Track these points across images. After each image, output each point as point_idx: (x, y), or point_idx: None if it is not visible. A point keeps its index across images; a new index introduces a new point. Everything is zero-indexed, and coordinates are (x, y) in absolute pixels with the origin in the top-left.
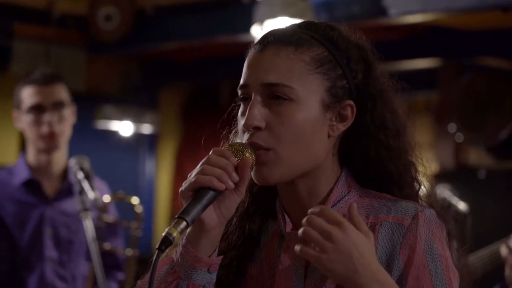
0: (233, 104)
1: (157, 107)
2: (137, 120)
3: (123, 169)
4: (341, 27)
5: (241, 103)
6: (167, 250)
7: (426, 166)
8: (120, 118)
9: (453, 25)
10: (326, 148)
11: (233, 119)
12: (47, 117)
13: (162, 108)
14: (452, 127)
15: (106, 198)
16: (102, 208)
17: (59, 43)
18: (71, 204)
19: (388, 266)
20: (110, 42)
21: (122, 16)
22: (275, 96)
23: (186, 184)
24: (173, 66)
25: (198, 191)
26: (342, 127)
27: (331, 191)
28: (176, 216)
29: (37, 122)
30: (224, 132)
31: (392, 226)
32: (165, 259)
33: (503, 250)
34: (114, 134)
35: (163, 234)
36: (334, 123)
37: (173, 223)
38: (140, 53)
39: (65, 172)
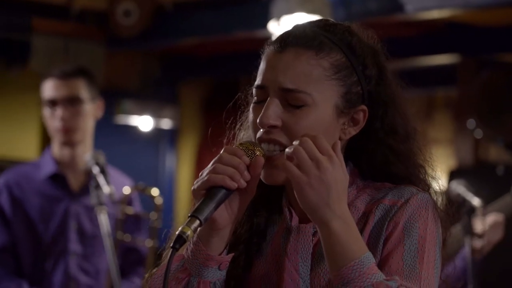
0: (238, 94)
1: (177, 102)
2: (156, 115)
3: (144, 164)
4: (357, 28)
5: (255, 99)
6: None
7: (436, 169)
8: (139, 113)
9: (471, 21)
10: None
11: (239, 109)
12: (59, 111)
13: (182, 103)
14: (471, 123)
15: (126, 190)
16: (123, 200)
17: (78, 39)
18: None
19: (376, 242)
20: (129, 37)
21: (141, 11)
22: (291, 101)
23: (199, 183)
24: (193, 61)
25: (210, 190)
26: (353, 132)
27: None
28: (189, 214)
29: (52, 116)
30: (229, 121)
31: (386, 208)
32: (176, 256)
33: (479, 225)
34: (133, 129)
35: (177, 232)
36: (346, 127)
37: (186, 222)
38: (159, 48)
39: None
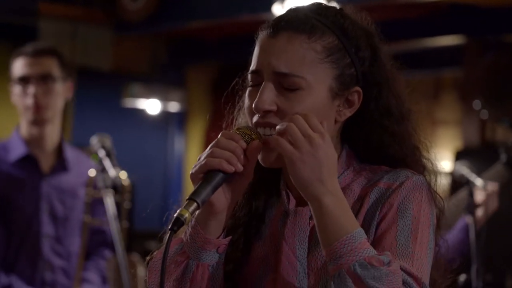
0: (236, 79)
1: (185, 85)
2: (164, 98)
3: (152, 148)
4: (350, 11)
5: (250, 83)
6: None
7: (431, 150)
8: (147, 96)
9: (474, 2)
10: (331, 133)
11: (236, 94)
12: (31, 88)
13: (190, 86)
14: (477, 104)
15: (92, 172)
16: (89, 183)
17: (86, 23)
18: (66, 180)
19: (369, 224)
20: (136, 21)
21: None
22: (286, 85)
23: (196, 167)
24: (200, 44)
25: (208, 174)
26: (348, 113)
27: None
28: (187, 197)
29: (23, 94)
30: (228, 107)
31: (381, 191)
32: (175, 239)
33: (479, 195)
34: (141, 112)
35: (175, 215)
36: (341, 108)
37: (184, 205)
38: (167, 32)
39: (59, 147)
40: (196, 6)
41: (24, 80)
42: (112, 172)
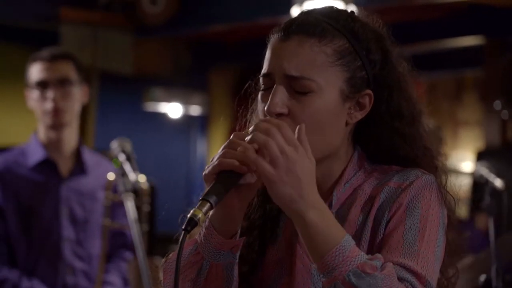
0: (249, 82)
1: (207, 89)
2: (185, 101)
3: (174, 151)
4: (361, 14)
5: (262, 87)
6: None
7: (441, 153)
8: (168, 100)
9: (493, 3)
10: (342, 135)
11: (249, 97)
12: (50, 93)
13: (212, 89)
14: (497, 104)
15: (111, 176)
16: (108, 186)
17: (106, 27)
18: (85, 183)
19: (379, 223)
20: (156, 25)
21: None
22: (297, 88)
23: (209, 168)
24: (223, 48)
25: (220, 174)
26: (359, 116)
27: (344, 171)
28: (200, 198)
29: (42, 98)
30: (241, 110)
31: (391, 190)
32: (189, 240)
33: None
34: (162, 116)
35: (188, 215)
36: (352, 111)
37: (197, 205)
38: (188, 35)
39: (78, 151)
40: (215, 9)
41: (42, 85)
42: (132, 176)
